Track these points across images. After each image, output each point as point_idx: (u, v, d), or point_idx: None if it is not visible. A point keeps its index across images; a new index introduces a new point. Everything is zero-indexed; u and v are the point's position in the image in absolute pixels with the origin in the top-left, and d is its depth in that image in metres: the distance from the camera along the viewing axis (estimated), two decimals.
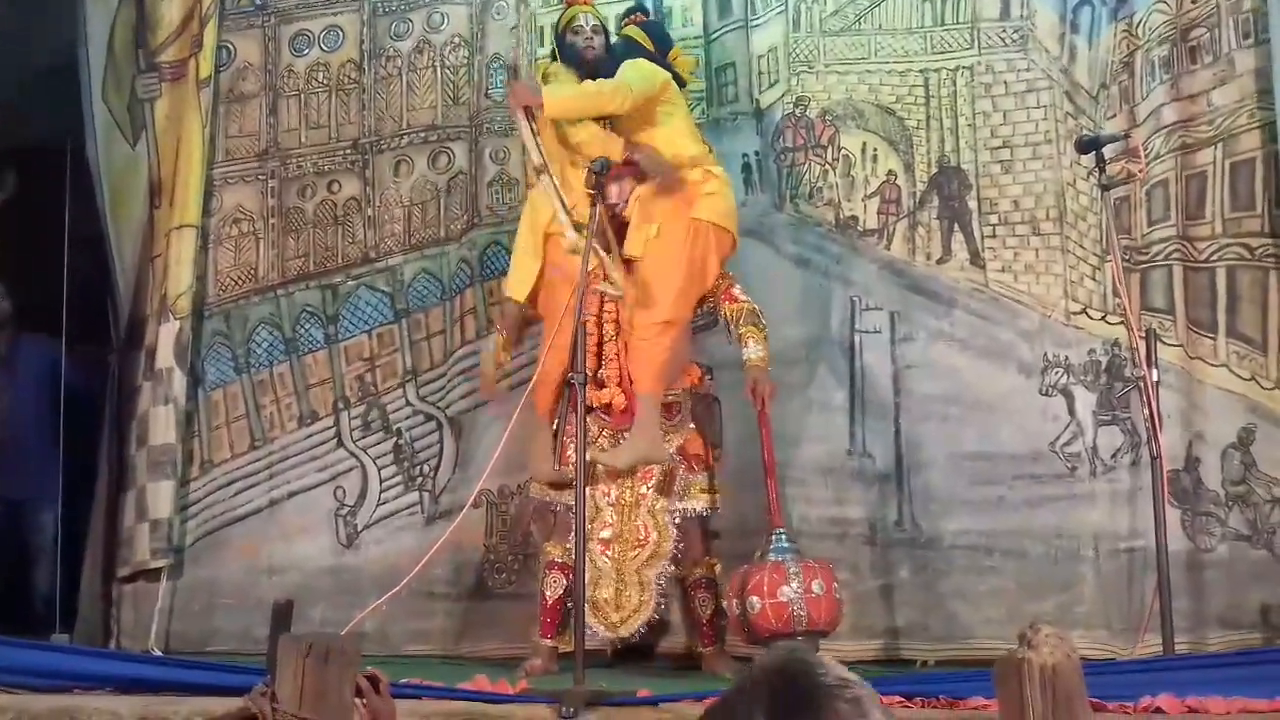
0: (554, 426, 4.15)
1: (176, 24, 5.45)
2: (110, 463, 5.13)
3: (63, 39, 5.36)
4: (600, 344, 4.21)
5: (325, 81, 5.40)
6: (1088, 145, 3.80)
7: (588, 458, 3.79)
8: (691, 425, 4.32)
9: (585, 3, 4.59)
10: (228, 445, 5.22)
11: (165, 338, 5.15)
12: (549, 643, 4.19)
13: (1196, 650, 4.14)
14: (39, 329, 5.49)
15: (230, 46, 5.46)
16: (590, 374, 4.05)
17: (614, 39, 4.62)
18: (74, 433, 5.25)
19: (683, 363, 4.33)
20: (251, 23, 5.49)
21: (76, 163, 5.33)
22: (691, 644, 4.37)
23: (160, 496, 5.04)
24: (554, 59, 4.60)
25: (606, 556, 4.11)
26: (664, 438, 4.20)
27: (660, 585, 4.15)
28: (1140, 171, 4.32)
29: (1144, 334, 3.94)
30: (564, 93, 4.30)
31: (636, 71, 4.28)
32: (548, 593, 4.23)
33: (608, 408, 4.19)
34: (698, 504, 4.24)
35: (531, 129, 4.16)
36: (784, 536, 4.03)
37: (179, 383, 5.11)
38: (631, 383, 4.19)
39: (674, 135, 4.31)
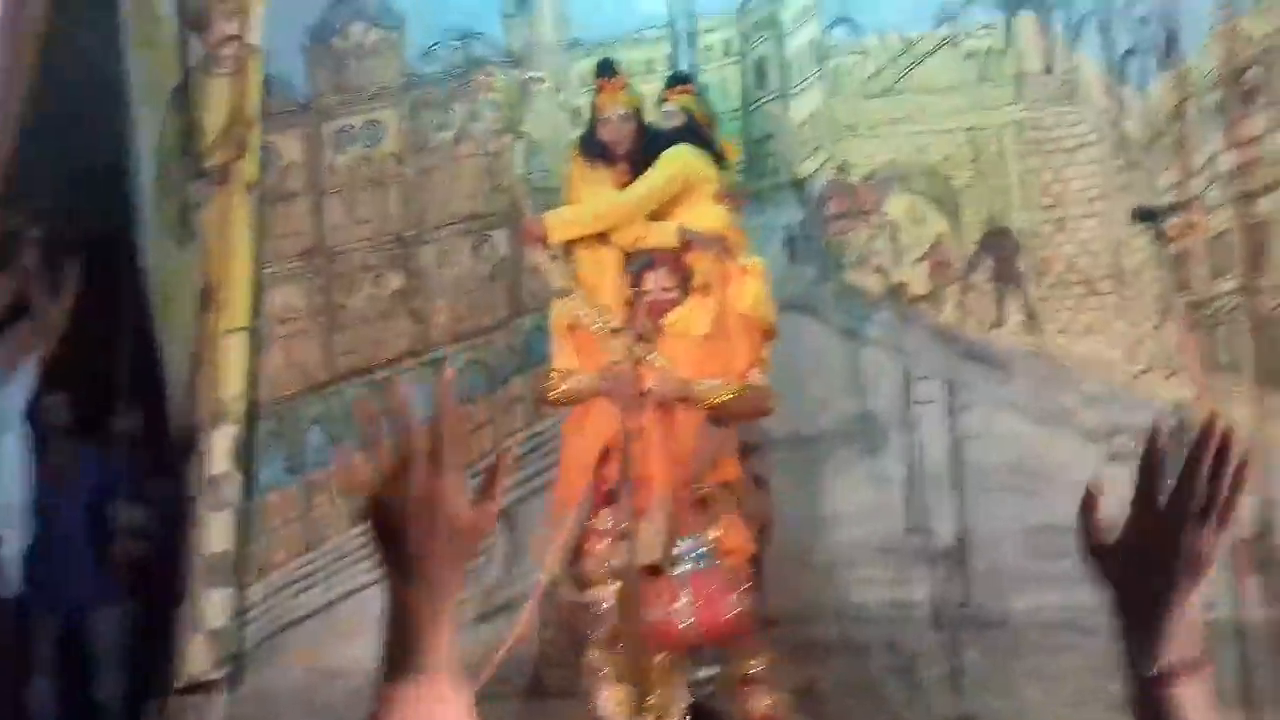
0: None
1: (221, 128, 5.55)
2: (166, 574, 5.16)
3: (114, 148, 5.48)
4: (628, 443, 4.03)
5: (368, 176, 5.43)
6: (1145, 215, 3.63)
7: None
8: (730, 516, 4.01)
9: (614, 88, 4.50)
10: (282, 548, 5.21)
11: (220, 443, 5.16)
12: None
13: None
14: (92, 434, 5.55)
15: (272, 146, 5.53)
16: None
17: (653, 118, 4.53)
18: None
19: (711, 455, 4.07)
20: (293, 122, 5.56)
21: (130, 270, 5.42)
22: None
23: (216, 604, 5.03)
24: (582, 151, 4.45)
25: None
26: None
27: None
28: (1199, 225, 4.15)
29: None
30: (567, 218, 4.22)
31: (660, 174, 4.16)
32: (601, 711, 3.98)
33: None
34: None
35: (550, 255, 4.14)
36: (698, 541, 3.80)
37: (234, 488, 5.13)
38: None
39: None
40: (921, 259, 4.65)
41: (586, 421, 4.04)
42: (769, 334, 4.13)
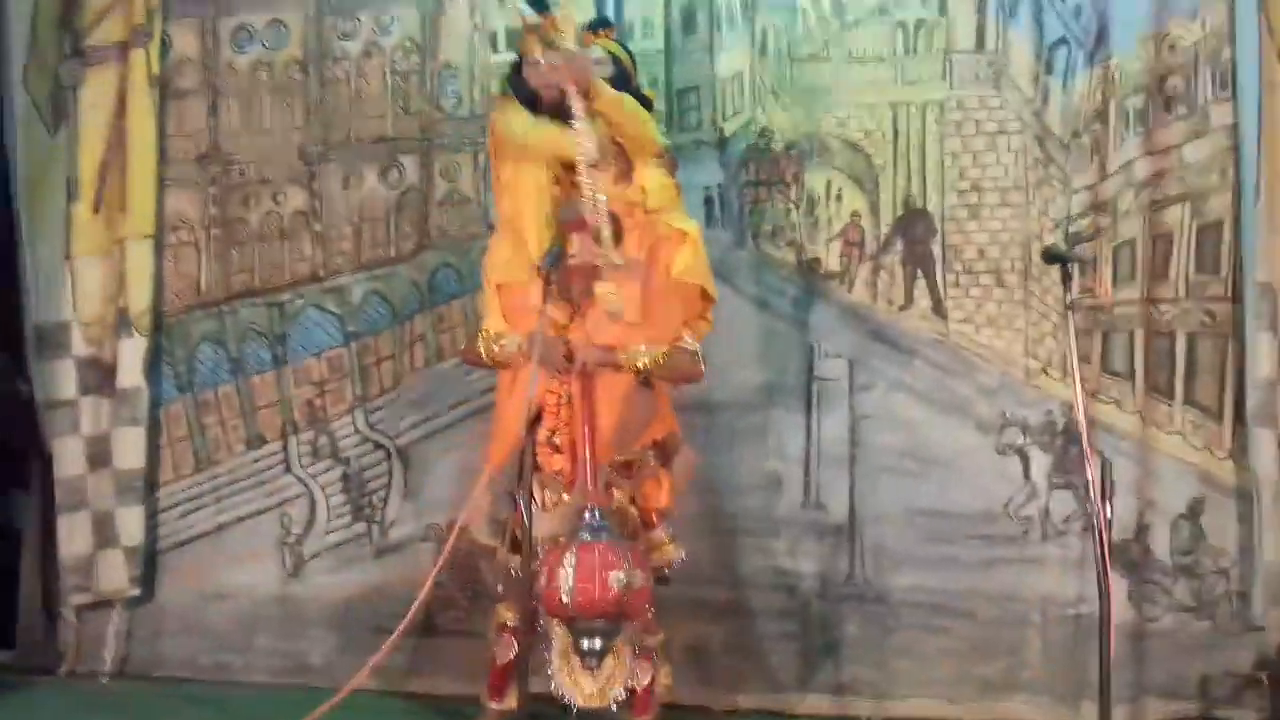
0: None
1: (105, 3, 5.14)
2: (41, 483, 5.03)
3: None
4: (559, 406, 4.05)
5: (268, 82, 5.14)
6: (1054, 258, 3.67)
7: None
8: (651, 480, 4.08)
9: (545, 28, 4.27)
10: (171, 467, 5.12)
11: (129, 355, 5.02)
12: (496, 706, 4.17)
13: None
14: None
15: (166, 38, 5.17)
16: (549, 434, 3.97)
17: None
18: None
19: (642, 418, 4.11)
20: (188, 11, 5.19)
21: None
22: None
23: (131, 522, 4.98)
24: (504, 91, 4.25)
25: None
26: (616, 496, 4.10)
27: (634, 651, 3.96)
28: (1106, 299, 4.26)
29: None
30: (613, 90, 3.93)
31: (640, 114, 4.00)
32: (498, 656, 4.16)
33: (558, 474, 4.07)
34: (667, 556, 4.05)
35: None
36: (599, 514, 3.83)
37: (144, 403, 5.01)
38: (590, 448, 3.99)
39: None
40: (835, 236, 4.66)
41: (516, 385, 4.02)
42: (707, 298, 4.09)
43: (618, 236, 3.99)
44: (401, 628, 3.92)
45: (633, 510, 4.09)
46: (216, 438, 5.11)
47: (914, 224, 4.61)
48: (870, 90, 4.65)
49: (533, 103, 4.04)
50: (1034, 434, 4.44)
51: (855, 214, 4.65)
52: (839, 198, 4.67)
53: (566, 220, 3.99)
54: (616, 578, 3.72)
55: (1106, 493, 3.40)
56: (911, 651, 4.46)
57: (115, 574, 4.98)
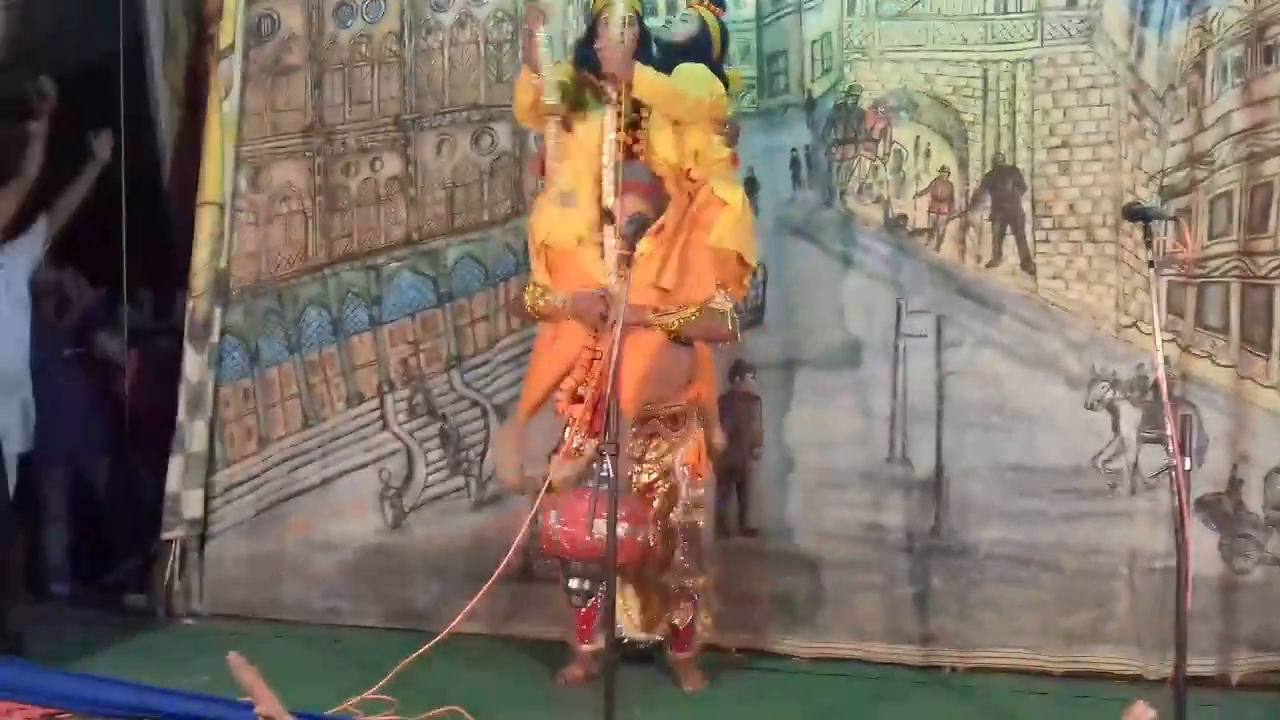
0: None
1: None
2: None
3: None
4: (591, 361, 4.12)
5: (368, 54, 5.32)
6: (1136, 214, 3.64)
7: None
8: (694, 438, 4.21)
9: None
10: (283, 423, 5.35)
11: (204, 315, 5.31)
12: (588, 648, 4.30)
13: (1224, 672, 4.21)
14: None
15: (274, 16, 5.39)
16: (575, 385, 4.12)
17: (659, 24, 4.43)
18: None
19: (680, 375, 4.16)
20: None
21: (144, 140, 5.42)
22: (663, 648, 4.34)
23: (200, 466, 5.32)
24: (576, 59, 4.32)
25: None
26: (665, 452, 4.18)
27: (675, 591, 4.18)
28: (1188, 258, 4.18)
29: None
30: (652, 76, 4.06)
31: (702, 89, 4.08)
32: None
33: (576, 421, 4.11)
34: (692, 517, 4.20)
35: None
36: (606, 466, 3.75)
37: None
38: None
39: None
40: (923, 192, 4.67)
41: (555, 339, 4.21)
42: (745, 265, 4.17)
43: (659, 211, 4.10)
44: (496, 574, 4.05)
45: (678, 464, 4.18)
46: (321, 395, 5.32)
47: (1003, 180, 4.59)
48: (960, 48, 4.64)
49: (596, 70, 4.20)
50: (1124, 389, 4.41)
51: (944, 169, 4.65)
52: (927, 154, 4.67)
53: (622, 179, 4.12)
54: (599, 526, 3.77)
55: (1187, 448, 3.39)
56: (997, 604, 4.47)
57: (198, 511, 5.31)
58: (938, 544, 4.56)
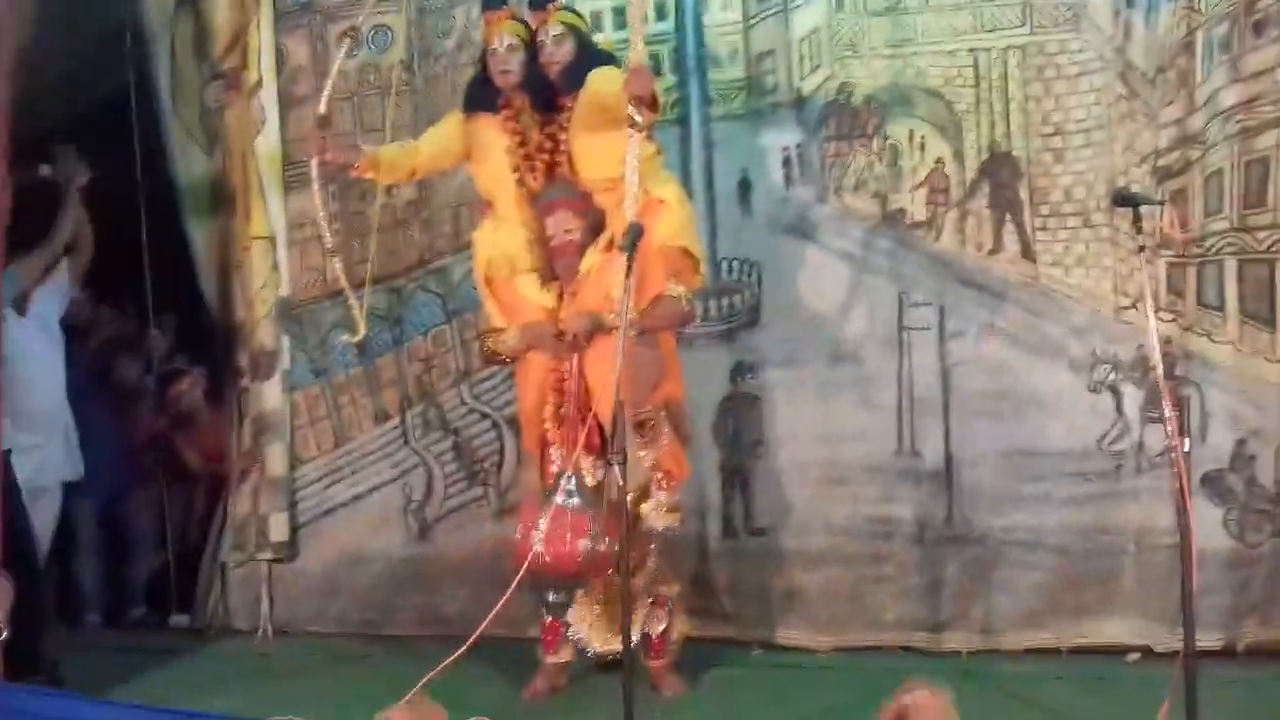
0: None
1: (229, 30, 5.57)
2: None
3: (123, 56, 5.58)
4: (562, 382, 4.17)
5: (376, 83, 5.46)
6: (1124, 200, 3.66)
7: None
8: (665, 442, 4.18)
9: (499, 19, 4.25)
10: (314, 444, 5.51)
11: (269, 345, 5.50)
12: (552, 659, 4.29)
13: (1230, 644, 4.22)
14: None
15: (284, 48, 5.55)
16: (556, 409, 4.17)
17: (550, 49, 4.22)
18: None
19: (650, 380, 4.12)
20: (299, 23, 5.55)
21: (154, 178, 5.60)
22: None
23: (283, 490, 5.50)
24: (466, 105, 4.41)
25: None
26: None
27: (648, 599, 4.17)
28: (1181, 239, 4.18)
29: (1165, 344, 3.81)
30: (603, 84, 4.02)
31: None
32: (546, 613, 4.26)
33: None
34: (665, 522, 4.17)
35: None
36: (574, 481, 3.97)
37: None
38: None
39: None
40: (920, 184, 4.70)
41: (526, 373, 4.29)
42: (693, 257, 4.14)
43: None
44: (516, 581, 4.12)
45: (653, 471, 4.15)
46: (349, 416, 5.47)
47: (1000, 168, 4.62)
48: (950, 38, 4.67)
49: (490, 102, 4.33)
50: (1125, 370, 4.42)
51: (939, 161, 4.68)
52: (922, 147, 4.71)
53: (547, 199, 4.19)
54: (584, 545, 3.92)
55: (1186, 428, 3.40)
56: (1008, 588, 4.50)
57: (280, 534, 5.47)
58: (950, 533, 4.59)
